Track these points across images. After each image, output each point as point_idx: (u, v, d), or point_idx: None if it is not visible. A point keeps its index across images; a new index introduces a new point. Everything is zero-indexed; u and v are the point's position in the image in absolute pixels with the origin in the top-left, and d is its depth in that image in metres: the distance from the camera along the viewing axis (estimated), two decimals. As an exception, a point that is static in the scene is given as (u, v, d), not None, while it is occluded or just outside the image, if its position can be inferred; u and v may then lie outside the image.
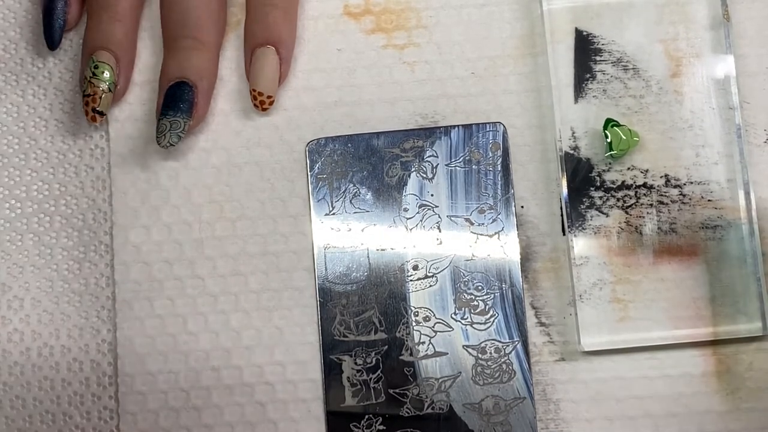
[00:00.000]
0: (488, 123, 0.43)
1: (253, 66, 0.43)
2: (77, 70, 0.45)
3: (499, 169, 0.43)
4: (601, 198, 0.43)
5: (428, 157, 0.43)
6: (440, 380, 0.42)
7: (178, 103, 0.41)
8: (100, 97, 0.42)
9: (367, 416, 0.42)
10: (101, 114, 0.42)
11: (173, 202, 0.44)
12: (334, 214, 0.43)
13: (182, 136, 0.41)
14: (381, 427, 0.42)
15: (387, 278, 0.43)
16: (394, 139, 0.43)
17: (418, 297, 0.42)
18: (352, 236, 0.43)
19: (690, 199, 0.43)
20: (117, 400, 0.43)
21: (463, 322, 0.42)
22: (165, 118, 0.41)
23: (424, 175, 0.43)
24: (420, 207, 0.43)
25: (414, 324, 0.42)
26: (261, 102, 0.42)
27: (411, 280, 0.43)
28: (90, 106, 0.41)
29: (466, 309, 0.42)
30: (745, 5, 0.44)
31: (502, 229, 0.43)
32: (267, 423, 0.42)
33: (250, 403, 0.43)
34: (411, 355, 0.42)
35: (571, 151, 0.43)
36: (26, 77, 0.45)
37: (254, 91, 0.43)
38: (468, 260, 0.43)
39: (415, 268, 0.43)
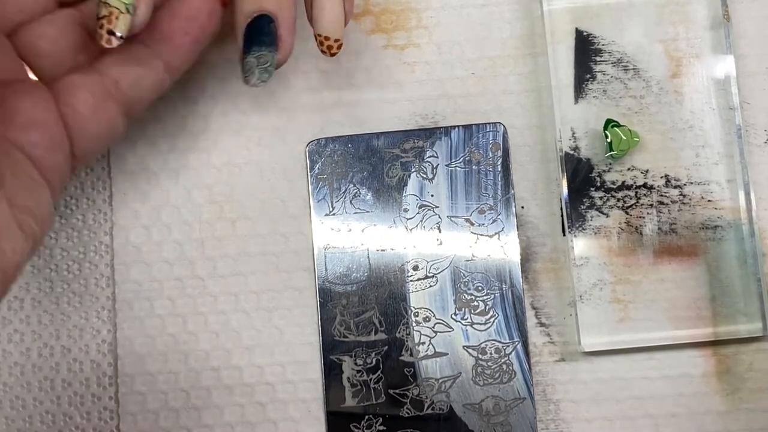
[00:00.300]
0: (488, 123, 0.43)
1: (316, 7, 0.38)
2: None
3: (499, 169, 0.43)
4: (601, 198, 0.43)
5: (428, 157, 0.43)
6: (440, 381, 0.42)
7: (261, 37, 0.37)
8: (117, 18, 0.35)
9: (367, 416, 0.42)
10: (119, 37, 0.35)
11: (173, 202, 0.44)
12: (334, 214, 0.43)
13: (272, 71, 0.37)
14: (381, 428, 0.42)
15: (387, 278, 0.43)
16: (394, 140, 0.43)
17: (418, 297, 0.42)
18: (352, 236, 0.43)
19: (690, 199, 0.43)
20: (117, 400, 0.43)
21: (463, 322, 0.42)
22: (250, 55, 0.37)
23: (425, 176, 0.43)
24: (420, 207, 0.43)
25: (414, 324, 0.42)
26: (329, 47, 0.38)
27: (411, 281, 0.43)
28: (105, 28, 0.35)
29: (466, 309, 0.42)
30: (745, 5, 0.44)
31: (503, 230, 0.43)
32: (267, 423, 0.43)
33: (250, 404, 0.43)
34: (411, 355, 0.42)
35: (572, 152, 0.43)
36: (26, 77, 0.45)
37: (320, 36, 0.38)
38: (468, 261, 0.43)
39: (415, 268, 0.43)
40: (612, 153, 0.42)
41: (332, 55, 0.39)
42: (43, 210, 0.35)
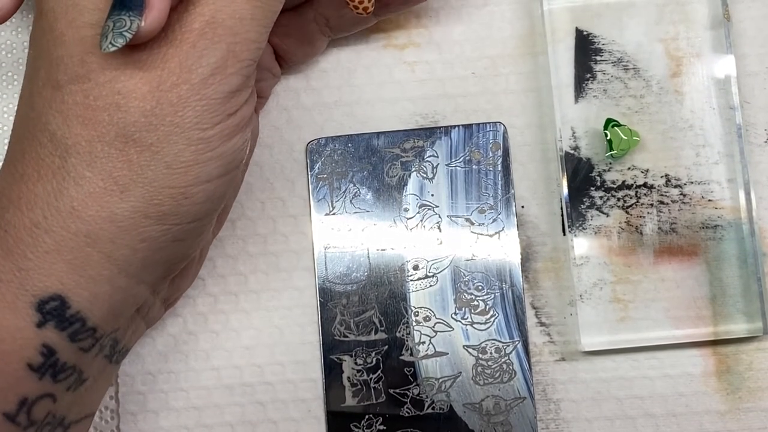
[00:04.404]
0: (488, 123, 0.43)
1: None
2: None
3: (500, 168, 0.43)
4: (601, 198, 0.43)
5: (428, 157, 0.43)
6: (440, 380, 0.42)
7: (125, 1, 0.32)
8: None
9: (367, 416, 0.42)
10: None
11: (173, 202, 0.44)
12: (334, 214, 0.43)
13: (128, 36, 0.31)
14: (381, 427, 0.42)
15: (387, 278, 0.43)
16: (395, 139, 0.43)
17: (418, 297, 0.42)
18: (352, 236, 0.43)
19: (690, 198, 0.43)
20: (117, 400, 0.43)
21: (463, 322, 0.42)
22: (109, 19, 0.32)
23: (425, 175, 0.43)
24: (420, 207, 0.43)
25: (414, 324, 0.42)
26: (365, 9, 0.39)
27: (411, 280, 0.43)
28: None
29: (467, 309, 0.42)
30: (746, 5, 0.44)
31: (503, 229, 0.43)
32: (267, 423, 0.42)
33: (250, 403, 0.43)
34: (411, 355, 0.42)
35: (572, 151, 0.43)
36: (26, 77, 0.45)
37: (353, 2, 0.38)
38: (468, 260, 0.43)
39: (416, 268, 0.43)
40: (612, 152, 0.42)
41: (368, 13, 0.39)
42: None
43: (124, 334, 0.36)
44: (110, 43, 0.31)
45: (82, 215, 0.32)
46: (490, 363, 0.42)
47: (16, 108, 0.44)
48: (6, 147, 0.44)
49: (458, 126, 0.43)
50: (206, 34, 0.32)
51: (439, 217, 0.43)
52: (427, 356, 0.42)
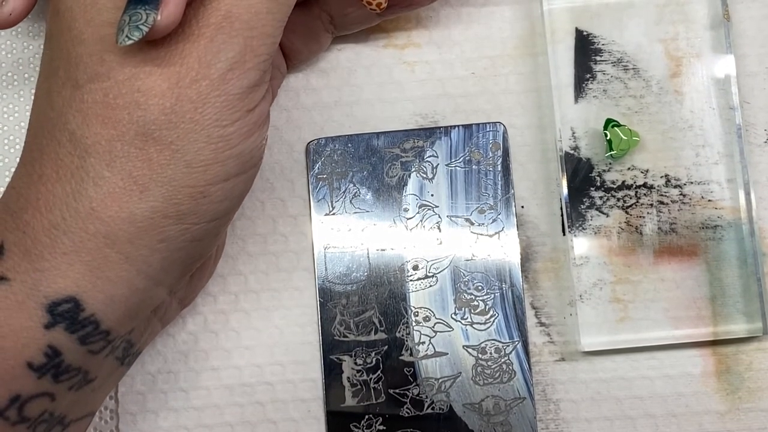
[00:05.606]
0: (488, 123, 0.43)
1: None
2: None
3: (499, 169, 0.43)
4: (601, 198, 0.43)
5: (428, 157, 0.43)
6: (440, 380, 0.42)
7: None
8: None
9: (367, 416, 0.42)
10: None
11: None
12: (334, 214, 0.43)
13: (144, 29, 0.31)
14: (381, 427, 0.42)
15: (387, 278, 0.43)
16: (394, 139, 0.43)
17: (418, 297, 0.42)
18: (352, 236, 0.43)
19: (690, 199, 0.43)
20: (117, 400, 0.43)
21: (463, 322, 0.42)
22: (125, 13, 0.31)
23: (424, 175, 0.43)
24: (420, 207, 0.43)
25: (414, 324, 0.42)
26: (378, 4, 0.39)
27: (411, 280, 0.43)
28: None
29: (466, 309, 0.42)
30: (745, 5, 0.44)
31: (502, 229, 0.43)
32: (267, 423, 0.42)
33: (249, 403, 0.43)
34: (411, 355, 0.42)
35: (572, 151, 0.43)
36: (25, 77, 0.45)
37: (361, 0, 0.39)
38: (468, 260, 0.43)
39: (415, 268, 0.43)
40: (612, 153, 0.42)
41: (382, 10, 0.39)
42: None
43: (139, 336, 0.36)
44: (126, 36, 0.31)
45: (101, 216, 0.32)
46: (489, 363, 0.42)
47: (17, 108, 0.44)
48: (6, 147, 0.44)
49: (458, 126, 0.43)
50: (223, 28, 0.32)
51: (439, 217, 0.43)
52: (426, 356, 0.42)
